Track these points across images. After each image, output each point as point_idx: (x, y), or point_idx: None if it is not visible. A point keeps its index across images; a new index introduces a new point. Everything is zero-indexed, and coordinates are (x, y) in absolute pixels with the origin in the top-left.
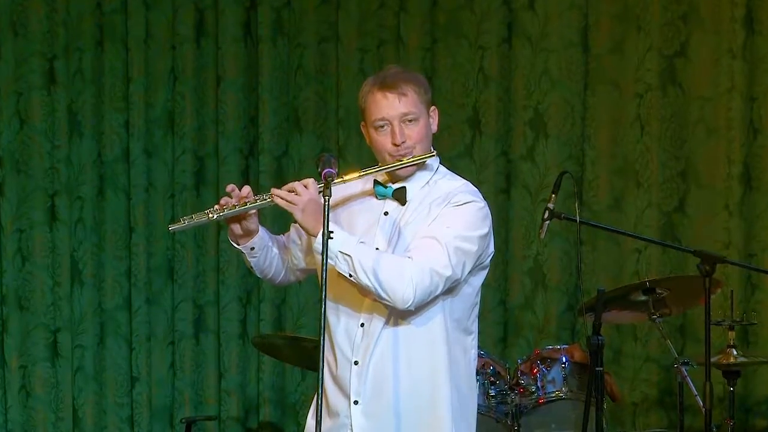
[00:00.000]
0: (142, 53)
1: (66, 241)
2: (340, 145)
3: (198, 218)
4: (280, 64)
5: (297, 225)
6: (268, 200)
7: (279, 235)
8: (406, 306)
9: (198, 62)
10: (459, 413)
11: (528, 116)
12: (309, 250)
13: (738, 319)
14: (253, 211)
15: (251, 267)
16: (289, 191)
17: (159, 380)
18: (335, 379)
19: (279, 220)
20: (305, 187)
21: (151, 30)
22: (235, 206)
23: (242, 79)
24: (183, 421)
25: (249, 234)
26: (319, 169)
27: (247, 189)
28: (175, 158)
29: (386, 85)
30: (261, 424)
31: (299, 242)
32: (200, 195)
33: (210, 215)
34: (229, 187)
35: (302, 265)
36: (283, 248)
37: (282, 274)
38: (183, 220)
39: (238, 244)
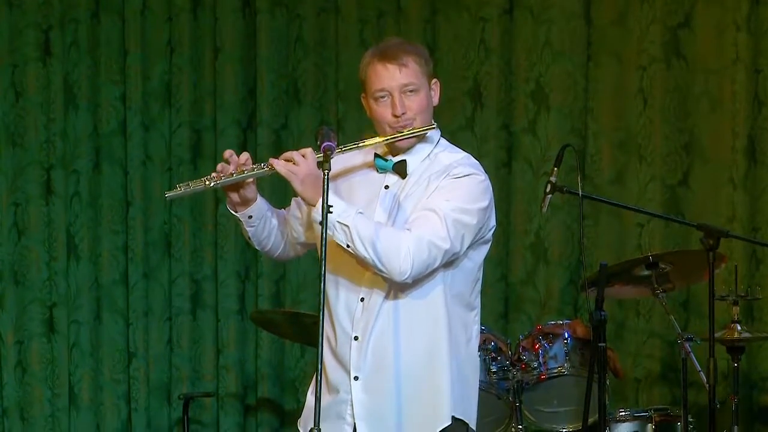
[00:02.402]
0: (139, 25)
1: (62, 215)
2: (340, 117)
3: (195, 185)
4: (279, 35)
5: (298, 199)
6: (267, 169)
7: (280, 209)
8: (404, 278)
9: (195, 34)
10: (459, 388)
11: (530, 89)
12: (309, 224)
13: (742, 294)
14: (251, 179)
15: (249, 237)
16: (287, 161)
17: (156, 356)
18: (335, 355)
19: (277, 193)
20: (303, 156)
21: (147, 1)
22: (232, 174)
23: (240, 50)
24: (181, 397)
25: (247, 202)
26: (319, 142)
27: (245, 156)
28: (172, 131)
29: (387, 56)
30: (259, 400)
31: (300, 215)
32: (197, 168)
33: (207, 182)
34: (227, 153)
35: (302, 239)
36: (284, 221)
37: (281, 248)
38: (180, 187)
39: (236, 212)
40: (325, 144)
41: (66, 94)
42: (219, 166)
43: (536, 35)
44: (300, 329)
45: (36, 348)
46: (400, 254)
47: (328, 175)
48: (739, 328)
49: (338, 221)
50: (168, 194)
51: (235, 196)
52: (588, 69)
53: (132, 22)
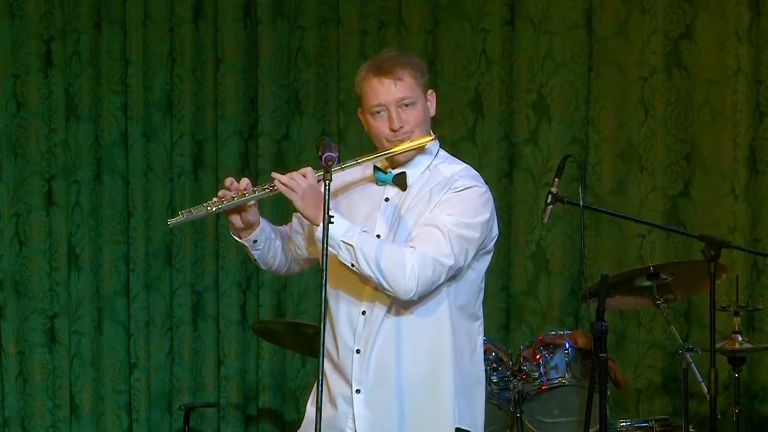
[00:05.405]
0: (140, 35)
1: (63, 225)
2: (341, 128)
3: (197, 211)
4: (280, 46)
5: (299, 214)
6: (267, 190)
7: (281, 226)
8: (409, 297)
9: (196, 44)
10: (464, 400)
11: (531, 99)
12: (311, 239)
13: (743, 305)
14: (253, 201)
15: (255, 260)
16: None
17: (157, 367)
18: (337, 368)
19: (278, 210)
20: (303, 176)
21: (149, 11)
22: (234, 198)
23: (241, 61)
24: (182, 408)
25: (250, 226)
26: (320, 153)
27: (245, 181)
28: (173, 141)
29: (382, 71)
30: (260, 410)
31: (302, 232)
32: (199, 179)
33: (209, 208)
34: (228, 181)
35: (305, 254)
36: (286, 239)
37: (286, 266)
38: (182, 214)
39: (240, 238)
40: (326, 154)
41: (67, 105)
42: (220, 192)
43: (537, 46)
44: (301, 340)
45: (37, 358)
46: (405, 273)
47: (329, 185)
48: (740, 338)
49: (342, 241)
50: (170, 221)
51: (237, 221)
52: (589, 79)
53: (133, 32)
